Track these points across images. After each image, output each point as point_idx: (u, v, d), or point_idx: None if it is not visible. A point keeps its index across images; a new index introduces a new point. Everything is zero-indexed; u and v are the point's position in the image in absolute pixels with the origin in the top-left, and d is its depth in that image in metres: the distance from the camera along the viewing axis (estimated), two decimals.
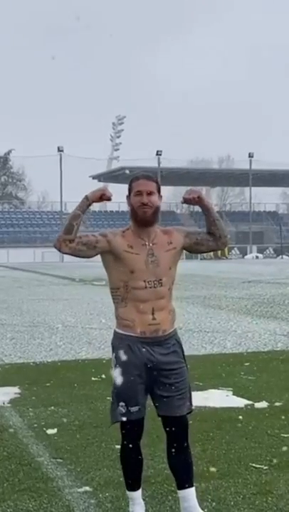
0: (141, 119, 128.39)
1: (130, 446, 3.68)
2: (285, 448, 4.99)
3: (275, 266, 41.82)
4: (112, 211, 77.15)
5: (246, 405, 6.30)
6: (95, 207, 79.97)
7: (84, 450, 5.07)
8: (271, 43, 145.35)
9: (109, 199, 3.61)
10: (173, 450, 3.68)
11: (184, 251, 3.81)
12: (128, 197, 3.64)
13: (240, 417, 5.86)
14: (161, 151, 67.45)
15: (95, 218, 74.36)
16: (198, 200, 3.67)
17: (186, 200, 3.69)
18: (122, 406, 3.56)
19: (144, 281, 3.53)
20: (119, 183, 79.10)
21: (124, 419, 3.58)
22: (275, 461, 4.71)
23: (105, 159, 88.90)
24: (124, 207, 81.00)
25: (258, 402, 6.36)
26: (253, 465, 4.63)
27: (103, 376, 7.41)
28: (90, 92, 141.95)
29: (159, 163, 67.91)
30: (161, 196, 3.67)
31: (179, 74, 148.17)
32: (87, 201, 3.60)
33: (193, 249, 3.82)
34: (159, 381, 3.57)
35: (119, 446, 4.99)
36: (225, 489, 4.20)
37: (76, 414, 6.11)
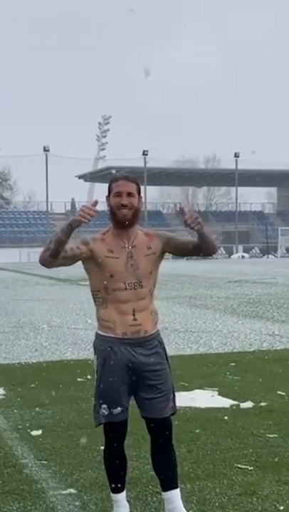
0: (127, 118, 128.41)
1: (114, 448, 3.66)
2: (270, 448, 4.99)
3: (260, 265, 41.93)
4: (98, 211, 76.70)
5: (232, 405, 6.30)
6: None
7: (69, 451, 5.04)
8: (258, 46, 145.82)
9: (94, 214, 3.43)
10: (157, 452, 3.67)
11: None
12: (108, 197, 3.63)
13: (226, 418, 5.85)
14: (147, 151, 67.44)
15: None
16: (198, 226, 3.43)
17: (185, 223, 3.44)
18: (104, 408, 3.55)
19: (124, 283, 3.53)
20: (106, 183, 78.56)
21: (107, 421, 3.56)
22: (260, 461, 4.71)
23: (91, 159, 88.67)
24: None
25: (244, 402, 6.36)
26: (239, 465, 4.62)
27: (88, 377, 7.38)
28: (76, 92, 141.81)
29: (145, 162, 67.89)
30: (141, 197, 3.66)
31: (166, 74, 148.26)
32: (72, 228, 3.45)
33: (177, 254, 3.82)
34: (142, 382, 3.56)
35: (104, 448, 5.01)
36: (210, 490, 4.19)
37: (61, 415, 6.08)
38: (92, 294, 3.65)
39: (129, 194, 3.56)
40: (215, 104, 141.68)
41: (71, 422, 5.82)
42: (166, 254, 3.76)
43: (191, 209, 3.58)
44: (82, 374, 7.64)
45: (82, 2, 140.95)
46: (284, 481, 4.30)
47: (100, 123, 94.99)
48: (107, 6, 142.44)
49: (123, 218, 3.56)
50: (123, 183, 3.60)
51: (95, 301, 3.64)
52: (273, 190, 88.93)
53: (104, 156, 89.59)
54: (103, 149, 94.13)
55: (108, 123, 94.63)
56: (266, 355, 9.10)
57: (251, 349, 9.74)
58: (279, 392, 6.78)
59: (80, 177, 78.46)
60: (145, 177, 65.54)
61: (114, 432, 3.62)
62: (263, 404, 6.33)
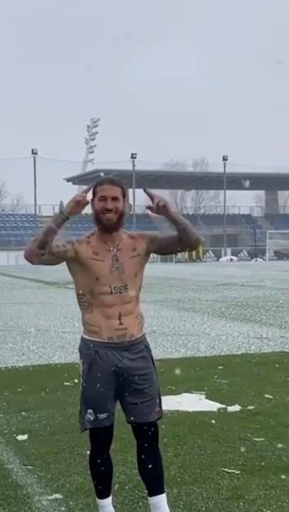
0: (116, 121, 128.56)
1: (99, 453, 3.63)
2: (257, 452, 4.98)
3: (249, 268, 42.02)
4: (87, 214, 76.73)
5: (219, 409, 6.29)
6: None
7: (55, 456, 5.01)
8: (245, 49, 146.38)
9: (86, 202, 3.51)
10: (143, 456, 3.64)
11: (157, 254, 3.78)
12: (92, 201, 3.59)
13: (213, 421, 5.84)
14: (135, 154, 67.46)
15: (69, 221, 73.98)
16: (163, 210, 3.50)
17: (150, 209, 3.55)
18: (90, 413, 3.51)
19: (110, 286, 3.50)
20: None
21: (93, 426, 3.53)
22: (247, 465, 4.70)
23: (80, 162, 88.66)
24: None
25: (231, 405, 6.35)
26: (225, 470, 4.61)
27: (76, 381, 7.33)
28: (65, 94, 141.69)
29: (133, 165, 67.90)
30: (127, 201, 3.64)
31: (153, 77, 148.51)
32: (63, 215, 3.47)
33: (163, 253, 3.80)
34: (128, 387, 3.53)
35: (90, 453, 4.98)
36: (197, 495, 4.17)
37: (48, 419, 6.04)
38: (78, 298, 3.62)
39: (114, 198, 3.53)
40: (204, 107, 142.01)
41: (58, 427, 5.79)
42: (154, 256, 3.74)
43: (151, 194, 3.56)
44: (69, 378, 7.60)
45: (71, 4, 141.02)
46: (271, 485, 4.29)
47: (88, 126, 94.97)
48: (97, 8, 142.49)
49: (108, 223, 3.53)
50: (108, 187, 3.56)
51: (80, 304, 3.61)
52: (261, 193, 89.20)
53: (93, 159, 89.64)
54: (92, 152, 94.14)
55: (97, 126, 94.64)
56: (254, 359, 9.09)
57: (239, 352, 9.73)
58: (266, 396, 6.78)
59: (68, 180, 78.29)
60: (134, 180, 65.56)
61: (100, 438, 3.59)
62: (250, 407, 6.32)
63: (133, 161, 67.68)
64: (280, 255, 65.40)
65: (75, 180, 79.25)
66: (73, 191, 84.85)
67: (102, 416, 3.50)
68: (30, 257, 3.46)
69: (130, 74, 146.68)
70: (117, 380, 3.51)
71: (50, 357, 9.52)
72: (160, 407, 3.64)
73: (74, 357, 9.13)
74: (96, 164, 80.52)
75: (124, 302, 3.52)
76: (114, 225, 3.53)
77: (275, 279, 28.88)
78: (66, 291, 21.91)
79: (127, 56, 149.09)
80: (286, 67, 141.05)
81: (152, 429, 3.61)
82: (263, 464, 4.72)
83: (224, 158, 70.34)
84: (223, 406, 6.35)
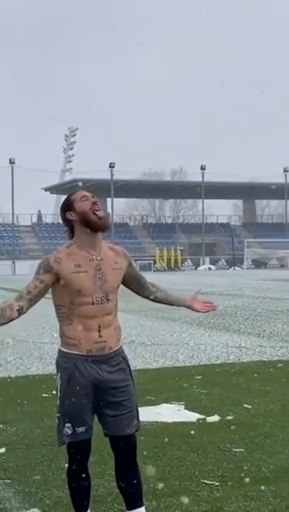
0: (94, 131, 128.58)
1: (77, 467, 3.57)
2: (236, 463, 4.96)
3: (227, 277, 42.15)
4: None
5: (198, 419, 6.27)
6: (48, 219, 79.48)
7: (33, 470, 4.95)
8: (222, 58, 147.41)
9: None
10: (121, 470, 3.61)
11: None
12: (69, 213, 3.48)
13: (192, 432, 5.81)
14: (114, 163, 67.47)
15: (47, 230, 73.88)
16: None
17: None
18: (68, 427, 3.46)
19: (92, 297, 3.42)
20: None
21: (71, 440, 3.48)
22: (226, 476, 4.68)
23: (58, 171, 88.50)
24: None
25: (210, 416, 6.33)
26: (205, 481, 4.58)
27: (54, 392, 7.27)
28: (43, 104, 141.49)
29: (112, 175, 67.89)
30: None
31: (131, 86, 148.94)
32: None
33: (125, 282, 3.69)
34: (106, 400, 3.48)
35: (67, 466, 4.93)
36: (176, 507, 4.13)
37: (26, 432, 5.97)
38: (56, 308, 3.54)
39: (93, 197, 3.50)
40: (181, 117, 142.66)
41: (36, 439, 5.72)
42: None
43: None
44: (47, 389, 7.53)
45: (51, 14, 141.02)
46: (250, 497, 4.27)
47: (66, 135, 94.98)
48: (75, 16, 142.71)
49: (101, 220, 3.43)
50: (83, 191, 3.54)
51: (58, 316, 3.54)
52: (239, 202, 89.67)
53: (71, 169, 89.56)
54: (70, 161, 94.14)
55: (75, 135, 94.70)
56: (232, 368, 9.10)
57: (218, 362, 9.73)
58: (245, 406, 6.77)
59: (46, 189, 78.06)
60: (112, 189, 65.58)
61: (78, 452, 3.54)
62: (229, 417, 6.31)
63: (111, 171, 67.69)
64: (257, 264, 65.74)
65: (53, 189, 79.06)
66: (51, 200, 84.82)
67: (81, 430, 3.45)
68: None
69: (108, 84, 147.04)
70: (96, 392, 3.47)
71: (28, 368, 9.44)
72: (138, 419, 3.61)
73: (52, 368, 9.02)
74: (74, 173, 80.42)
75: (104, 313, 3.46)
76: (104, 221, 3.44)
77: (254, 287, 28.99)
78: (44, 301, 21.63)
79: (105, 66, 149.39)
80: (263, 77, 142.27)
81: (130, 442, 3.57)
82: (242, 475, 4.70)
83: (202, 168, 70.63)
84: (203, 416, 6.33)
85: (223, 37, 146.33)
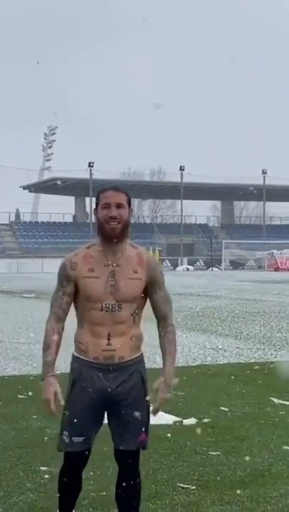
0: (73, 130, 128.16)
1: (70, 474, 3.44)
2: (212, 466, 4.95)
3: (205, 278, 42.27)
4: (43, 222, 76.47)
5: (175, 422, 6.24)
6: (26, 217, 79.11)
7: (7, 472, 4.88)
8: (200, 58, 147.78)
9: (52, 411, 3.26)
10: (120, 481, 3.44)
11: None
12: (95, 210, 3.35)
13: (169, 435, 5.79)
14: (93, 163, 67.36)
15: (25, 229, 73.50)
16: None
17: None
18: (65, 435, 3.32)
19: (102, 303, 3.27)
20: (51, 194, 78.63)
21: (66, 450, 3.35)
22: (202, 480, 4.66)
23: (37, 170, 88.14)
24: (56, 218, 79.23)
25: (187, 418, 6.32)
26: (181, 485, 4.56)
27: (30, 393, 7.23)
28: (22, 101, 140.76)
29: (91, 174, 67.76)
30: (132, 210, 3.40)
31: (112, 85, 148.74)
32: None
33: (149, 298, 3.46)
34: (111, 410, 3.34)
35: (45, 468, 4.88)
36: (152, 511, 4.11)
37: (0, 434, 5.89)
38: (75, 310, 3.44)
39: (119, 205, 3.28)
40: (161, 117, 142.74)
41: (11, 442, 5.65)
42: None
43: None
44: (23, 390, 7.46)
45: (29, 11, 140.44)
46: (226, 501, 4.26)
47: (45, 133, 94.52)
48: (54, 14, 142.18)
49: (111, 232, 3.27)
50: (112, 193, 3.31)
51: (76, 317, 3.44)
52: (218, 203, 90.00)
53: (50, 167, 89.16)
54: (49, 160, 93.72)
55: (54, 134, 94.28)
56: (210, 370, 9.10)
57: (195, 363, 9.72)
58: (222, 408, 6.77)
59: (24, 187, 77.73)
60: (90, 189, 65.37)
61: (73, 461, 3.38)
62: (206, 420, 6.30)
63: (90, 170, 67.57)
64: (235, 265, 66.03)
65: (31, 187, 78.77)
66: (30, 199, 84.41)
67: (77, 440, 3.30)
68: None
69: (88, 83, 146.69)
70: (100, 402, 3.31)
71: (3, 368, 9.35)
72: (145, 436, 3.44)
73: (28, 369, 9.02)
74: (53, 172, 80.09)
75: (115, 322, 3.28)
76: (118, 234, 3.28)
77: (231, 288, 29.09)
78: (21, 300, 21.62)
79: (84, 65, 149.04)
80: (242, 76, 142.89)
81: (131, 457, 3.42)
82: (218, 478, 4.69)
83: (181, 168, 70.80)
84: (179, 419, 6.31)
85: (200, 36, 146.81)
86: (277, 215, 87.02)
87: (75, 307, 3.41)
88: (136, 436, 3.38)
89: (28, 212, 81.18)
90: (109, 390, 3.30)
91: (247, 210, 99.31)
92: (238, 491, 4.42)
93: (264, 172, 74.08)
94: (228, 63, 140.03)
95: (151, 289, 3.40)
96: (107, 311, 3.27)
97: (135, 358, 3.39)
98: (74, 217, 77.37)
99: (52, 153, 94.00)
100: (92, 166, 67.53)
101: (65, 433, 3.32)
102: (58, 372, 3.34)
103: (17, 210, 77.73)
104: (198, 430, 5.86)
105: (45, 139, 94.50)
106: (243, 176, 76.15)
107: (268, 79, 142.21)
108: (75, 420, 3.30)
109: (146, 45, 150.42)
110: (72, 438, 3.31)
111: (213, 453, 5.27)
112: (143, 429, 3.41)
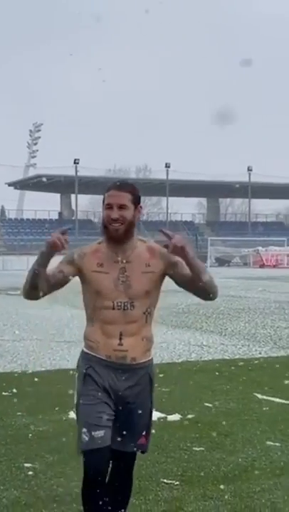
0: (59, 126, 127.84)
1: (95, 481, 3.17)
2: (196, 462, 4.97)
3: None
4: (28, 219, 76.26)
5: (159, 418, 6.25)
6: (11, 214, 78.85)
7: None
8: (187, 55, 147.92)
9: (63, 247, 3.09)
10: (111, 480, 3.36)
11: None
12: (102, 208, 3.28)
13: (153, 431, 5.77)
14: (78, 160, 67.25)
15: (10, 226, 73.24)
16: (181, 251, 3.18)
17: (166, 247, 3.20)
18: (84, 433, 3.16)
19: (113, 301, 3.19)
20: (36, 191, 78.42)
21: (87, 448, 3.15)
22: (186, 475, 4.68)
23: (22, 166, 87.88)
24: (41, 215, 78.95)
25: (171, 414, 6.34)
26: (164, 481, 4.58)
27: (14, 391, 7.21)
28: (7, 98, 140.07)
29: (76, 171, 67.64)
30: (141, 207, 3.32)
31: (97, 82, 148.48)
32: (45, 255, 3.13)
33: (178, 284, 3.41)
34: (116, 410, 3.25)
35: (29, 465, 4.89)
36: (135, 507, 4.12)
37: None
38: (84, 307, 3.37)
39: (121, 206, 3.19)
40: (146, 114, 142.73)
41: None
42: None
43: (168, 233, 3.24)
44: (7, 388, 7.44)
45: (17, 8, 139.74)
46: (209, 496, 4.29)
47: (31, 130, 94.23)
48: (39, 11, 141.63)
49: (115, 233, 3.19)
50: (114, 193, 3.23)
51: (86, 316, 3.37)
52: (203, 200, 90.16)
53: (35, 164, 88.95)
54: (34, 157, 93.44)
55: (39, 130, 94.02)
56: (194, 366, 9.13)
57: (180, 360, 9.75)
58: (206, 404, 6.80)
59: (10, 184, 77.41)
60: (76, 186, 65.32)
61: (95, 464, 3.15)
62: (190, 416, 6.32)
63: (76, 167, 67.45)
64: (221, 262, 66.14)
65: (16, 184, 78.46)
66: (15, 196, 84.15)
67: (98, 434, 3.14)
68: (29, 298, 3.28)
69: (73, 80, 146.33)
70: (111, 399, 3.23)
71: None
72: (146, 440, 3.38)
73: (13, 366, 8.97)
74: (38, 169, 79.98)
75: (127, 321, 3.20)
76: (120, 236, 3.19)
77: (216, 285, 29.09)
78: (6, 297, 21.52)
79: (70, 62, 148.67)
80: (227, 74, 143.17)
81: (127, 459, 3.38)
82: (202, 474, 4.72)
83: (167, 166, 70.83)
84: (163, 415, 6.33)
85: (183, 34, 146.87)
86: (263, 212, 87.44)
87: (85, 306, 3.33)
88: (135, 439, 3.34)
89: (13, 209, 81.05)
90: (118, 389, 3.23)
91: (232, 207, 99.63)
92: (222, 486, 4.44)
93: (249, 169, 74.30)
94: (214, 60, 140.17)
95: (175, 271, 3.31)
96: (119, 309, 3.20)
97: (147, 361, 3.32)
98: (59, 214, 77.21)
99: (37, 150, 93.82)
100: (78, 163, 67.40)
101: (84, 430, 3.17)
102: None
103: (2, 207, 77.56)
104: (183, 426, 5.88)
105: (30, 135, 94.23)
106: (228, 173, 76.28)
107: (252, 77, 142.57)
108: (92, 414, 3.17)
109: (130, 41, 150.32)
110: (93, 433, 3.15)
111: (197, 449, 5.30)
112: (143, 433, 3.36)
